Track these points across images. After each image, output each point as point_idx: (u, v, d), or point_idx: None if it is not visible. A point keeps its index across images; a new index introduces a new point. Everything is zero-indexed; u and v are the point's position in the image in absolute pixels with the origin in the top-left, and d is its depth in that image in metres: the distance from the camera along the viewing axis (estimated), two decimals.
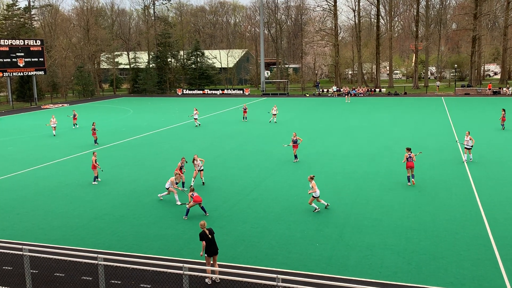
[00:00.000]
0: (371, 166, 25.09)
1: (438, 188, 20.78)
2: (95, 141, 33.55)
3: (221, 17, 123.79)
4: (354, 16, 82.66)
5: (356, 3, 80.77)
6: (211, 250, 12.61)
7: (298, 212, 18.09)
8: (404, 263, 13.59)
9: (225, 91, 79.21)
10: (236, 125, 41.72)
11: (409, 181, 21.27)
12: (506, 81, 73.79)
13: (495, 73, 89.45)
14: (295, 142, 26.27)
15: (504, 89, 65.16)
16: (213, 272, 12.39)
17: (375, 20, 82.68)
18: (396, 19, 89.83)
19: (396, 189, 20.79)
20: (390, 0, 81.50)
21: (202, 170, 22.17)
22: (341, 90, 71.57)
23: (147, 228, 16.96)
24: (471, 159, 25.47)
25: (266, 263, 13.73)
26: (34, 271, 12.65)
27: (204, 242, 12.55)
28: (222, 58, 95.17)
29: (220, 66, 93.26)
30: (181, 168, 21.43)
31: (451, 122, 39.78)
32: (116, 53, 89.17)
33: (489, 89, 65.58)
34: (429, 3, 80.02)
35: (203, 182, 22.25)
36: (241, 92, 78.29)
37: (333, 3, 79.69)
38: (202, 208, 17.92)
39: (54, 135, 37.83)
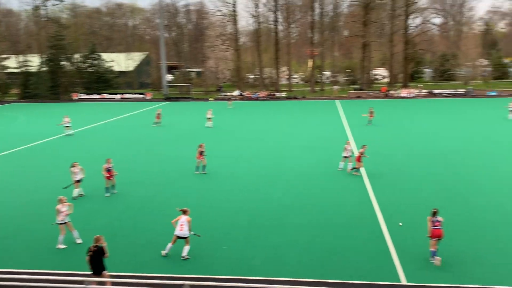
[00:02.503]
0: (275, 168, 25.80)
1: (337, 187, 21.96)
2: None
3: (118, 19, 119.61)
4: (254, 21, 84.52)
5: (255, 9, 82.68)
6: (92, 268, 12.13)
7: (205, 217, 18.10)
8: (307, 259, 14.20)
9: (125, 95, 76.81)
10: (138, 130, 40.68)
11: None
12: (393, 84, 79.78)
13: (383, 77, 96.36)
14: (201, 153, 24.89)
15: (392, 91, 70.50)
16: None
17: (274, 26, 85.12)
18: (293, 25, 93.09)
19: (298, 189, 21.60)
20: (287, 7, 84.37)
21: (80, 181, 20.66)
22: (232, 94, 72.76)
23: (50, 242, 15.97)
24: (343, 167, 25.07)
25: (174, 271, 13.57)
26: None
27: (87, 256, 12.15)
28: (121, 61, 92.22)
29: (119, 70, 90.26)
30: (108, 170, 20.77)
31: (346, 123, 42.15)
32: (3, 56, 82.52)
33: (383, 91, 70.56)
34: (323, 10, 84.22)
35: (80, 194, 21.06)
36: (143, 96, 76.44)
37: (233, 9, 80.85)
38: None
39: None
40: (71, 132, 38.87)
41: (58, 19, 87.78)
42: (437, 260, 13.72)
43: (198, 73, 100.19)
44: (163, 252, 14.59)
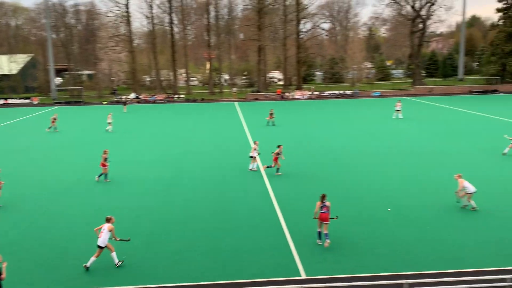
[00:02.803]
0: (176, 173, 25.54)
1: (236, 187, 22.31)
2: None
3: None
4: (148, 23, 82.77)
5: (149, 10, 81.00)
6: None
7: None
8: (211, 262, 14.29)
9: (9, 101, 71.11)
10: (28, 137, 37.91)
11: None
12: (288, 86, 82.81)
13: (279, 80, 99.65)
14: (105, 160, 23.87)
15: (287, 93, 73.19)
16: None
17: (169, 28, 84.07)
18: (189, 27, 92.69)
19: (200, 192, 21.60)
20: (182, 9, 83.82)
21: None
22: (123, 98, 70.88)
23: None
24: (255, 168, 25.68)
25: (79, 285, 12.95)
26: None
27: None
28: (3, 63, 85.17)
29: (1, 73, 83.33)
30: None
31: (244, 124, 42.96)
32: None
33: (279, 93, 72.89)
34: (218, 13, 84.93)
35: None
36: (29, 101, 71.30)
37: (125, 9, 78.44)
38: None
39: None
40: None
41: None
42: (327, 243, 14.90)
43: (90, 75, 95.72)
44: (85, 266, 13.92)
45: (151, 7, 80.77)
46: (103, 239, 13.88)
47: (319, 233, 15.38)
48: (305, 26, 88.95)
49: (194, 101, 71.51)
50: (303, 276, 13.34)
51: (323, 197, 15.15)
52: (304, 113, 51.43)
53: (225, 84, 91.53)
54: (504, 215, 17.76)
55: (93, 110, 59.45)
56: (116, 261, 14.11)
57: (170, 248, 15.31)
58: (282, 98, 71.62)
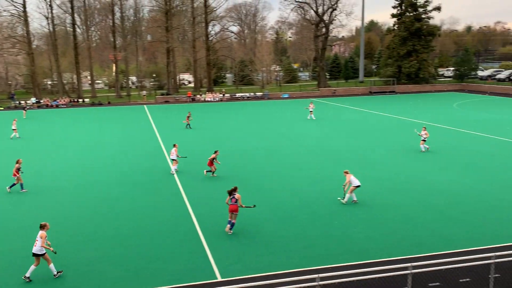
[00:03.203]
0: (85, 179, 24.41)
1: (149, 191, 21.84)
2: None
3: None
4: (48, 23, 78.14)
5: (49, 10, 76.56)
6: None
7: (13, 237, 16.20)
8: (123, 271, 13.86)
9: None
10: None
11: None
12: (199, 89, 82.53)
13: (189, 82, 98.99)
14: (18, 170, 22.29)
15: (198, 96, 72.91)
16: None
17: (71, 29, 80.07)
18: (92, 28, 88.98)
19: (111, 199, 20.85)
20: (85, 10, 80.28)
21: None
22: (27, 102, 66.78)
23: None
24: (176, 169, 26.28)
25: None
26: None
27: None
28: None
29: None
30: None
31: (155, 128, 42.17)
32: None
33: (189, 96, 72.28)
34: (123, 14, 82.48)
35: None
36: None
37: (22, 9, 73.40)
38: None
39: None
40: None
41: None
42: (227, 228, 16.43)
43: None
44: (26, 276, 13.28)
45: (50, 7, 76.37)
46: (38, 247, 13.27)
47: (230, 221, 16.45)
48: (214, 28, 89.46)
49: (100, 104, 68.77)
50: (219, 278, 13.39)
51: (233, 190, 16.37)
52: (216, 116, 51.58)
53: (133, 87, 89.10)
54: (399, 208, 19.15)
55: None
56: (54, 272, 13.48)
57: (80, 258, 14.60)
58: (193, 100, 71.23)
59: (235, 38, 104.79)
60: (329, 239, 15.98)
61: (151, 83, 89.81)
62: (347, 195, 19.66)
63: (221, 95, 73.56)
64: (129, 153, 31.19)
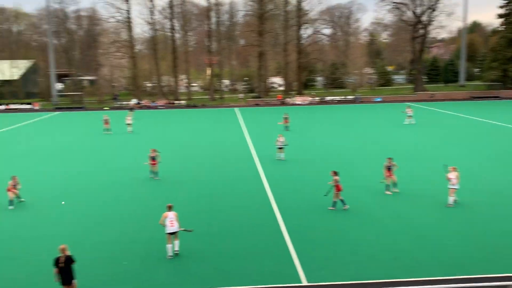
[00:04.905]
0: (183, 175, 25.40)
1: (237, 192, 22.16)
2: None
3: (1, 25, 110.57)
4: (149, 29, 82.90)
5: (151, 16, 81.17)
6: (63, 279, 11.67)
7: (103, 232, 17.30)
8: (211, 268, 14.13)
9: (10, 106, 71.15)
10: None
11: None
12: (288, 92, 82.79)
13: (280, 85, 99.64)
14: (153, 159, 24.72)
15: (288, 99, 73.19)
16: None
17: (171, 34, 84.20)
18: (190, 33, 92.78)
19: (201, 197, 21.47)
20: (183, 15, 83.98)
21: None
22: (140, 103, 70.98)
23: None
24: (282, 157, 28.91)
25: None
26: None
27: (55, 269, 11.63)
28: (4, 69, 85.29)
29: (3, 78, 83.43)
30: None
31: (245, 130, 42.87)
32: None
33: (279, 99, 72.87)
34: (219, 19, 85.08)
35: None
36: (30, 106, 71.31)
37: (127, 15, 78.63)
38: None
39: None
40: None
41: None
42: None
43: (91, 81, 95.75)
44: (169, 256, 14.70)
45: (152, 13, 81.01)
46: (175, 226, 14.74)
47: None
48: (306, 31, 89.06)
49: (195, 106, 71.48)
50: (305, 282, 13.18)
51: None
52: (308, 118, 51.29)
53: (226, 90, 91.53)
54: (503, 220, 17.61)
55: (95, 115, 59.29)
56: (177, 248, 14.94)
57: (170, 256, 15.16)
58: (283, 103, 71.56)
59: (327, 40, 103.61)
60: (420, 249, 15.11)
61: (243, 86, 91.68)
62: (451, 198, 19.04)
63: (311, 98, 73.14)
64: (219, 153, 31.96)
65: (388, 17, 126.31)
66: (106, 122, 43.19)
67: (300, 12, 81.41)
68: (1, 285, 13.31)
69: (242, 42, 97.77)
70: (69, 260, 11.79)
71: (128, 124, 43.27)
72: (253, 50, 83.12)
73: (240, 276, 13.60)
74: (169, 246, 14.77)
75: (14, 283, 13.39)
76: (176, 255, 14.92)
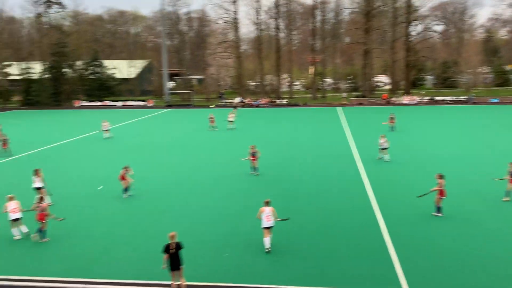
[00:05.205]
0: (282, 173, 25.72)
1: (337, 193, 21.82)
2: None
3: (120, 27, 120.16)
4: (255, 29, 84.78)
5: (257, 16, 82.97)
6: (171, 264, 12.35)
7: (205, 224, 18.01)
8: (309, 267, 14.06)
9: (127, 103, 76.95)
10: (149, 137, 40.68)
11: None
12: (395, 91, 79.79)
13: (385, 84, 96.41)
14: (253, 155, 25.66)
15: (394, 98, 70.54)
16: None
17: (275, 33, 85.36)
18: (294, 32, 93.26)
19: (299, 196, 21.48)
20: (289, 14, 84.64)
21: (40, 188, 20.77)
22: (244, 101, 72.88)
23: (45, 249, 15.86)
24: (387, 158, 28.21)
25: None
26: None
27: (166, 255, 12.27)
28: (123, 68, 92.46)
29: (121, 77, 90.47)
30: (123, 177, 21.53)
31: (347, 130, 42.07)
32: (5, 63, 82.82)
33: (384, 98, 70.60)
34: (324, 18, 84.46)
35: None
36: (144, 103, 76.54)
37: (234, 16, 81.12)
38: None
39: None
40: (109, 135, 40.49)
41: (60, 26, 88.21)
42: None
43: (199, 80, 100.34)
44: (267, 248, 15.07)
45: (258, 13, 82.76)
46: (271, 221, 15.12)
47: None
48: (416, 28, 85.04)
49: (297, 105, 71.72)
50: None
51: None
52: (415, 119, 49.03)
53: (329, 89, 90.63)
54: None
55: (201, 113, 61.92)
56: (268, 245, 15.09)
57: (272, 249, 15.32)
58: (388, 103, 69.13)
59: (438, 38, 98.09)
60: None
61: (346, 85, 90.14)
62: None
63: (419, 98, 69.74)
64: (320, 152, 31.72)
65: (508, 13, 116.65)
66: (212, 120, 45.29)
67: (410, 8, 77.96)
68: (116, 265, 14.41)
69: (347, 40, 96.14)
70: (179, 246, 12.44)
71: (230, 121, 44.91)
72: (358, 48, 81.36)
73: (338, 277, 13.37)
74: (266, 239, 15.09)
75: (127, 265, 14.44)
76: (268, 251, 15.14)
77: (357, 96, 75.52)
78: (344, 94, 77.14)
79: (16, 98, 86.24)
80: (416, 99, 69.35)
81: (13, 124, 52.07)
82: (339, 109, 62.63)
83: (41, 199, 16.78)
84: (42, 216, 16.28)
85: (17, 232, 16.78)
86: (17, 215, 16.67)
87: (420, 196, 19.16)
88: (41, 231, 16.46)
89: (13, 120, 57.57)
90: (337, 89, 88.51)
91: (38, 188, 20.35)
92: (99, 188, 23.22)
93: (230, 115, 45.64)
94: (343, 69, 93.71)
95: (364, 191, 22.09)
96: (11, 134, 39.69)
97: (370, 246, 15.47)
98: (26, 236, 16.88)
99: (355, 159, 29.23)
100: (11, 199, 16.91)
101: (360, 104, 70.19)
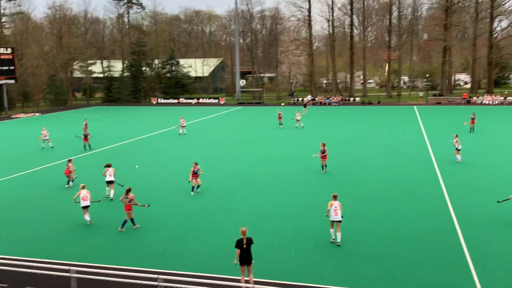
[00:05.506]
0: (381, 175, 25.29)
1: (411, 195, 21.06)
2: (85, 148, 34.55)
3: (196, 26, 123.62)
4: (328, 26, 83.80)
5: (330, 13, 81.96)
6: (243, 259, 12.49)
7: (273, 222, 18.08)
8: (379, 271, 13.68)
9: (200, 100, 79.01)
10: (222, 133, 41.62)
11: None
12: (476, 90, 75.63)
13: (465, 83, 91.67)
14: (323, 152, 25.67)
15: (474, 98, 66.86)
16: (247, 282, 12.46)
17: (349, 30, 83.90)
18: (369, 29, 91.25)
19: (369, 198, 20.98)
20: (363, 11, 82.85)
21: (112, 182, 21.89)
22: (315, 99, 72.34)
23: (120, 239, 16.67)
24: (459, 159, 27.33)
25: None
26: (4, 285, 12.25)
27: (238, 250, 12.44)
28: (197, 67, 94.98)
29: (195, 75, 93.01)
30: (195, 173, 21.85)
31: (423, 130, 40.49)
32: (89, 61, 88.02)
33: (464, 98, 67.13)
34: (401, 14, 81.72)
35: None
36: (217, 101, 78.19)
37: (307, 13, 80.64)
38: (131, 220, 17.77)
39: (52, 147, 35.73)
40: (184, 131, 41.88)
41: (140, 26, 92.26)
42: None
43: (270, 78, 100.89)
44: (334, 240, 15.65)
45: (332, 10, 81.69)
46: (339, 215, 15.39)
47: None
48: (500, 24, 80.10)
49: (370, 104, 70.05)
50: None
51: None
52: (496, 119, 46.23)
53: (404, 87, 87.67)
54: None
55: (273, 111, 62.23)
56: (339, 239, 15.55)
57: (337, 251, 15.11)
58: (468, 103, 65.65)
59: None
60: None
61: (424, 83, 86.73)
62: None
63: (502, 98, 65.56)
64: (393, 153, 30.77)
65: None
66: (279, 117, 45.75)
67: (493, 2, 73.42)
68: (186, 258, 14.86)
69: (424, 36, 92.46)
70: (250, 242, 12.56)
71: (297, 120, 44.86)
72: (437, 44, 77.98)
73: (411, 283, 12.88)
74: (332, 230, 15.67)
75: (197, 258, 14.84)
76: (334, 241, 15.56)
77: (434, 95, 72.38)
78: (421, 93, 74.29)
79: (98, 95, 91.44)
80: (499, 99, 65.27)
81: (95, 120, 55.23)
82: (415, 109, 60.37)
83: (128, 190, 17.62)
84: (130, 206, 17.32)
85: (88, 217, 18.16)
86: (87, 202, 18.01)
87: (500, 202, 18.07)
88: (132, 220, 17.58)
89: (96, 115, 61.08)
90: (413, 88, 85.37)
91: (110, 182, 21.54)
92: (136, 167, 26.46)
93: (298, 114, 45.60)
94: (420, 67, 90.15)
95: (439, 194, 21.15)
96: (94, 129, 42.20)
97: (445, 252, 14.77)
98: (101, 225, 17.87)
99: (432, 161, 28.04)
100: (83, 187, 18.25)
101: (438, 103, 67.23)
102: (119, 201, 18.56)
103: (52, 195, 22.53)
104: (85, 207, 18.08)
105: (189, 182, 22.12)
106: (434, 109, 60.40)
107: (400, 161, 28.42)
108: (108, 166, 21.66)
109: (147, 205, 18.39)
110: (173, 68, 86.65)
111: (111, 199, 21.34)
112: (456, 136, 27.86)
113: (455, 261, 14.13)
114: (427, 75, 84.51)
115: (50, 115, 63.99)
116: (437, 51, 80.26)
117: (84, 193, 18.07)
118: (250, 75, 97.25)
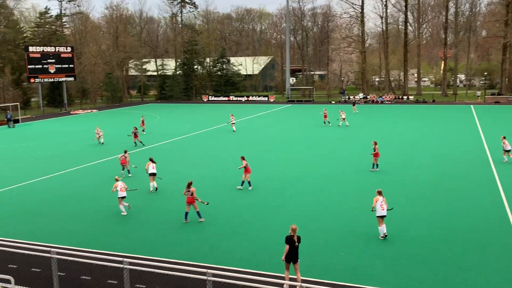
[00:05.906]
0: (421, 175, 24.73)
1: (465, 198, 20.32)
2: (136, 143, 35.51)
3: (247, 25, 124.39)
4: (382, 23, 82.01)
5: (384, 10, 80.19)
6: (291, 256, 12.52)
7: (321, 220, 17.95)
8: (430, 274, 13.29)
9: (250, 98, 79.45)
10: (268, 130, 41.79)
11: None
12: None
13: None
14: (374, 151, 25.40)
15: None
16: (294, 280, 12.46)
17: (403, 27, 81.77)
18: (424, 26, 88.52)
19: (423, 199, 20.41)
20: (418, 7, 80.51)
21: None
22: (357, 98, 71.07)
23: (171, 232, 17.08)
24: (506, 160, 26.86)
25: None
26: (62, 274, 12.87)
27: (287, 246, 12.48)
28: (247, 65, 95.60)
29: (245, 73, 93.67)
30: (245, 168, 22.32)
31: (480, 130, 38.90)
32: (144, 60, 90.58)
33: None
34: (458, 10, 78.81)
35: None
36: (266, 99, 78.40)
37: (360, 10, 79.26)
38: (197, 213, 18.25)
39: (102, 143, 36.94)
40: (234, 128, 42.66)
41: (192, 25, 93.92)
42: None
43: (320, 76, 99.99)
44: (382, 235, 15.75)
45: (386, 6, 79.88)
46: (385, 210, 15.68)
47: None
48: None
49: (424, 102, 68.01)
50: None
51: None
52: None
53: (461, 86, 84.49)
54: None
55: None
56: (384, 232, 15.74)
57: (387, 252, 14.81)
58: None
59: None
60: None
61: (481, 82, 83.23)
62: None
63: None
64: (448, 154, 29.76)
65: None
66: (325, 115, 45.51)
67: None
68: (235, 251, 15.04)
69: (483, 33, 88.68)
70: (299, 240, 12.56)
71: (343, 119, 44.23)
72: (496, 42, 74.61)
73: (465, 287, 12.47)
74: (381, 228, 15.69)
75: (246, 252, 14.99)
76: (385, 237, 15.67)
77: (493, 94, 69.29)
78: (478, 92, 71.35)
79: (152, 92, 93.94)
80: None
81: (150, 117, 56.79)
82: (472, 108, 58.08)
83: (190, 184, 18.04)
84: (192, 199, 17.80)
85: (123, 209, 19.18)
86: (123, 193, 19.08)
87: None
88: (198, 213, 18.12)
89: (150, 112, 62.81)
90: (470, 86, 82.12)
91: (153, 174, 22.49)
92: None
93: (342, 113, 44.80)
94: (477, 65, 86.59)
95: (496, 197, 20.27)
96: (149, 126, 43.50)
97: (501, 259, 14.13)
98: (152, 219, 18.40)
99: (490, 164, 26.88)
100: (116, 180, 19.38)
101: (497, 102, 64.34)
102: (167, 194, 19.02)
103: (106, 189, 23.39)
104: (122, 197, 19.11)
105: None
106: (492, 108, 57.87)
107: (455, 161, 27.47)
108: (151, 160, 22.63)
109: (206, 203, 18.55)
110: (224, 66, 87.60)
111: (156, 190, 22.45)
112: (504, 137, 27.39)
113: (509, 268, 13.51)
114: (485, 73, 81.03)
115: (106, 111, 66.38)
116: (497, 49, 76.86)
117: (120, 184, 19.06)
118: (300, 73, 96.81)
